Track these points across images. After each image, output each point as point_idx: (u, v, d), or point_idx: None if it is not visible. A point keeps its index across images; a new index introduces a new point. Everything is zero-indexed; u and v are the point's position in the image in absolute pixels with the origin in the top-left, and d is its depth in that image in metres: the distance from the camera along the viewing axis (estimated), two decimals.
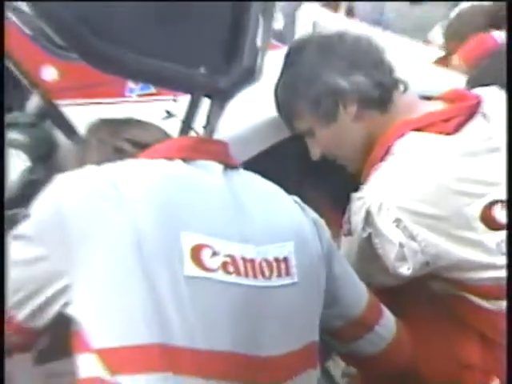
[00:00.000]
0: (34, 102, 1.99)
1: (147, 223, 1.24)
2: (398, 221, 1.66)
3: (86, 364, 1.21)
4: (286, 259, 1.31)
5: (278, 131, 1.97)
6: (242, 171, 1.42)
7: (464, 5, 3.67)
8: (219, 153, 1.40)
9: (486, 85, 1.89)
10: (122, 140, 1.47)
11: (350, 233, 1.74)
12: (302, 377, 1.32)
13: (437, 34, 3.78)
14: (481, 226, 1.68)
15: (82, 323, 1.21)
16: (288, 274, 1.31)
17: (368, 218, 1.68)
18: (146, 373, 1.18)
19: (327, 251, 1.42)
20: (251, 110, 1.96)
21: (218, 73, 1.51)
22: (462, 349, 1.75)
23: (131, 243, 1.22)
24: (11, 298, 1.27)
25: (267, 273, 1.29)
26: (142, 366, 1.18)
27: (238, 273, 1.27)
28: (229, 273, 1.26)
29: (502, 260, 1.67)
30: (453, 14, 3.65)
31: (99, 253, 1.22)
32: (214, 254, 1.25)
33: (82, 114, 1.93)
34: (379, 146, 1.76)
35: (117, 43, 1.39)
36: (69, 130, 1.93)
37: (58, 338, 1.27)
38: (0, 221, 1.31)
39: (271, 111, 1.94)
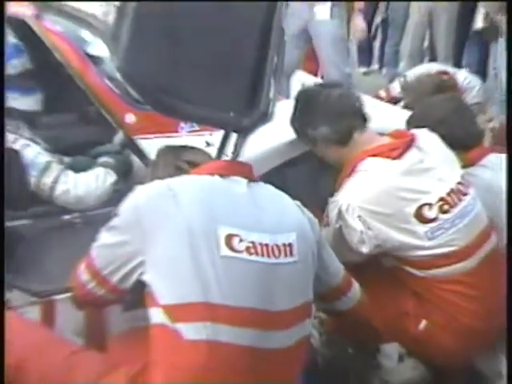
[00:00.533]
0: (119, 137, 1.97)
1: (194, 217, 1.21)
2: (359, 216, 1.65)
3: (155, 315, 1.19)
4: (290, 245, 1.28)
5: (291, 151, 1.96)
6: (261, 184, 1.38)
7: (410, 73, 3.52)
8: (245, 171, 1.36)
9: (420, 126, 1.86)
10: (182, 161, 1.42)
11: (327, 224, 1.72)
12: (300, 325, 1.29)
13: (396, 87, 3.68)
14: (414, 221, 1.66)
15: (152, 287, 1.20)
16: (291, 255, 1.28)
17: (340, 215, 1.67)
18: (194, 322, 1.16)
19: (318, 240, 1.38)
20: (265, 140, 1.93)
21: (243, 116, 1.47)
22: (401, 302, 1.74)
23: (184, 232, 1.20)
24: (107, 269, 1.26)
25: (277, 254, 1.26)
26: (191, 317, 1.16)
27: (256, 254, 1.23)
28: (251, 254, 1.23)
29: (429, 243, 1.66)
30: (410, 74, 3.48)
31: (162, 238, 1.20)
32: (241, 240, 1.22)
33: (150, 145, 1.91)
34: (347, 166, 1.74)
35: (176, 98, 1.36)
36: (142, 155, 1.92)
37: (138, 294, 1.25)
38: (0, 220, 1.26)
39: (279, 140, 1.95)
